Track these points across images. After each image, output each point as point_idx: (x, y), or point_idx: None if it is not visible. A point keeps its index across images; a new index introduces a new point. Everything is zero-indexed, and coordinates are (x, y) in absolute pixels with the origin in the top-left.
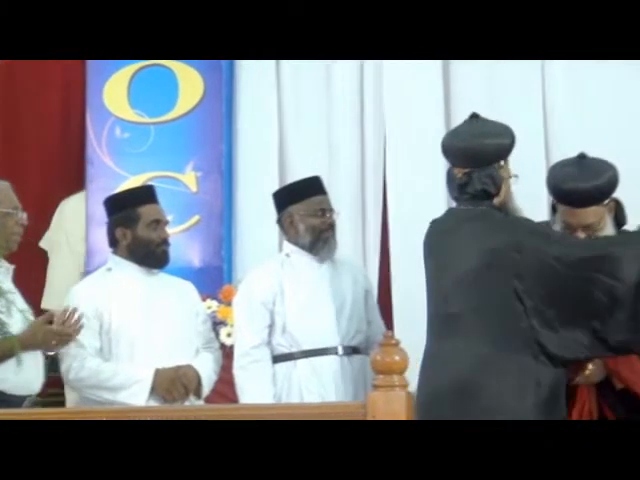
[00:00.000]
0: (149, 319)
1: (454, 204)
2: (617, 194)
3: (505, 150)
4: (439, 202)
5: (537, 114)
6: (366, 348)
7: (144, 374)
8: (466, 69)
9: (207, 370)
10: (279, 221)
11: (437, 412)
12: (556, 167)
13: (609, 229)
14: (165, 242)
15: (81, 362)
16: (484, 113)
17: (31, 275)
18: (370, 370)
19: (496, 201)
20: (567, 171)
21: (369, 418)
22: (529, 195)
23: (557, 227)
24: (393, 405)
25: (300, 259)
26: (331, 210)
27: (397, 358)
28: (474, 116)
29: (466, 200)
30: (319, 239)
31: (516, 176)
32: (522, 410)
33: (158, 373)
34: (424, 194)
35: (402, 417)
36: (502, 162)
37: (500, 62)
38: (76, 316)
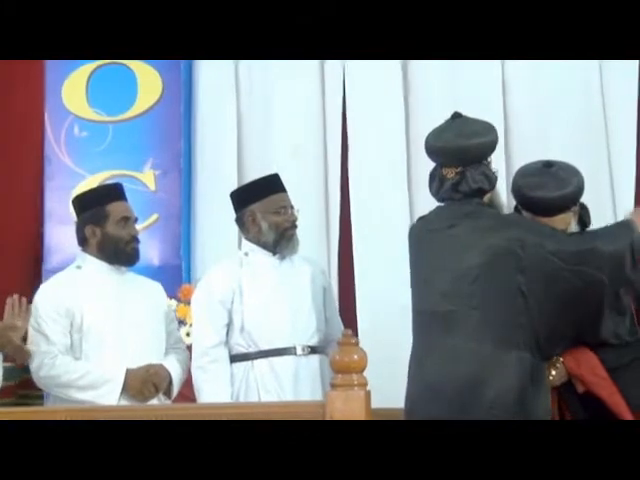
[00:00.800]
0: (119, 318)
1: (416, 201)
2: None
3: (493, 147)
4: (401, 199)
5: (497, 114)
6: (325, 347)
7: (115, 374)
8: (425, 69)
9: (177, 370)
10: (238, 220)
11: (436, 408)
12: (521, 174)
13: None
14: (135, 239)
15: (52, 360)
16: (444, 113)
17: None
18: (329, 369)
19: (486, 198)
20: (533, 180)
21: (327, 418)
22: None
23: None
24: (352, 404)
25: (259, 257)
26: (292, 207)
27: (356, 357)
28: (457, 115)
29: (458, 199)
30: (283, 236)
31: (496, 169)
32: (521, 408)
33: (129, 373)
34: (385, 192)
35: (361, 416)
36: (490, 158)
37: (460, 62)
38: (23, 306)
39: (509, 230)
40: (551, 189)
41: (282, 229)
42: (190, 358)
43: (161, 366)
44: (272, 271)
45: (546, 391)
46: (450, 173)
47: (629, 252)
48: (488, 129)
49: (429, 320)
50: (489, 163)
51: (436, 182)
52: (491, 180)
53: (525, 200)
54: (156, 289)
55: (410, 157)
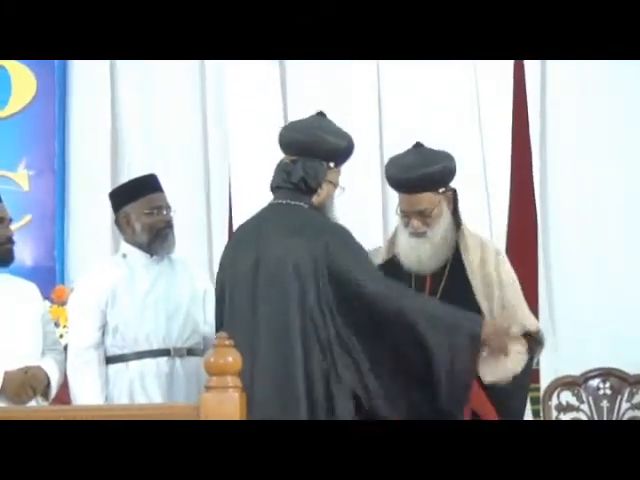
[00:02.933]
0: None
1: None
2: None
3: (337, 153)
4: None
5: (373, 112)
6: (204, 349)
7: None
8: (302, 68)
9: (55, 371)
10: (116, 221)
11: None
12: (392, 158)
13: (446, 218)
14: (10, 240)
15: None
16: (322, 109)
17: None
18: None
19: (315, 200)
20: (402, 158)
21: (202, 419)
22: (362, 194)
23: (400, 226)
24: (226, 407)
25: (136, 259)
26: (168, 207)
27: (230, 359)
28: (320, 113)
29: (288, 190)
30: (157, 236)
31: (342, 188)
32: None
33: (6, 375)
34: (267, 190)
35: (235, 419)
36: (332, 164)
37: (336, 62)
38: None
39: (322, 240)
40: (416, 166)
41: (156, 229)
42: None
43: (39, 368)
44: (149, 273)
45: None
46: (287, 159)
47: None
48: (340, 134)
49: (242, 323)
50: (330, 168)
51: (276, 170)
52: (318, 177)
53: (392, 179)
54: (31, 290)
55: None
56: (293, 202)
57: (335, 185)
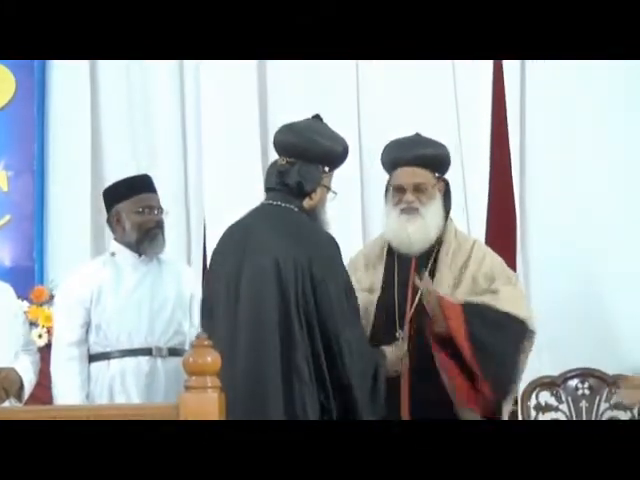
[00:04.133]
0: None
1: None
2: None
3: (333, 157)
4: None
5: (352, 112)
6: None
7: None
8: (282, 67)
9: (29, 373)
10: (107, 220)
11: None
12: (391, 141)
13: (438, 203)
14: None
15: None
16: (300, 111)
17: None
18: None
19: (306, 204)
20: (401, 140)
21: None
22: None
23: (389, 207)
24: (205, 407)
25: (125, 258)
26: (160, 208)
27: (209, 359)
28: (316, 116)
29: (279, 191)
30: (146, 236)
31: (335, 192)
32: None
33: None
34: (240, 191)
35: (214, 419)
36: (327, 168)
37: (317, 62)
38: None
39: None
40: (417, 145)
41: (145, 229)
42: (41, 360)
43: (12, 369)
44: (135, 272)
45: None
46: (282, 161)
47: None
48: (335, 139)
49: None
50: (324, 172)
51: (269, 171)
52: (314, 181)
53: (390, 157)
54: (4, 290)
55: (268, 158)
56: (284, 204)
57: (328, 189)
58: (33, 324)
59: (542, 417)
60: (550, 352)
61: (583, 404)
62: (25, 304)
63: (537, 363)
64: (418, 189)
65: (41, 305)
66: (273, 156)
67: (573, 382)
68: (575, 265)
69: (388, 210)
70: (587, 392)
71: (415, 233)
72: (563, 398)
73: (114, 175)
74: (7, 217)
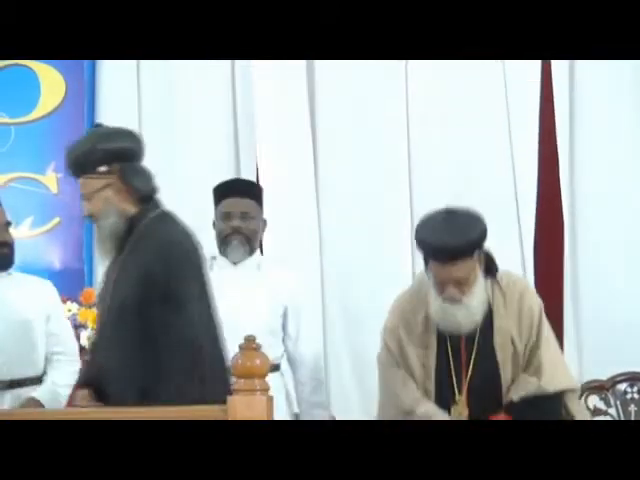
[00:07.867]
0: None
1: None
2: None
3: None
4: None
5: (401, 113)
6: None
7: None
8: (330, 68)
9: (66, 388)
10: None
11: None
12: (423, 224)
13: (480, 282)
14: (6, 244)
15: None
16: (348, 111)
17: None
18: None
19: None
20: (436, 224)
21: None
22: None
23: (433, 292)
24: (254, 410)
25: (221, 262)
26: (243, 213)
27: (258, 362)
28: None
29: None
30: (223, 243)
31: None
32: None
33: None
34: (294, 190)
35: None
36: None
37: (363, 62)
38: None
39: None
40: (454, 234)
41: (223, 236)
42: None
43: (32, 401)
44: (231, 276)
45: None
46: None
47: None
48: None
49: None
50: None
51: None
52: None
53: (426, 246)
54: (40, 287)
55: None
56: None
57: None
58: (82, 326)
59: None
60: (598, 356)
61: (632, 408)
62: (75, 306)
63: (584, 367)
64: (459, 282)
65: (90, 307)
66: (323, 159)
67: (622, 386)
68: (626, 266)
69: (432, 294)
70: (636, 396)
71: (464, 319)
72: (612, 402)
73: (161, 176)
74: (57, 219)
